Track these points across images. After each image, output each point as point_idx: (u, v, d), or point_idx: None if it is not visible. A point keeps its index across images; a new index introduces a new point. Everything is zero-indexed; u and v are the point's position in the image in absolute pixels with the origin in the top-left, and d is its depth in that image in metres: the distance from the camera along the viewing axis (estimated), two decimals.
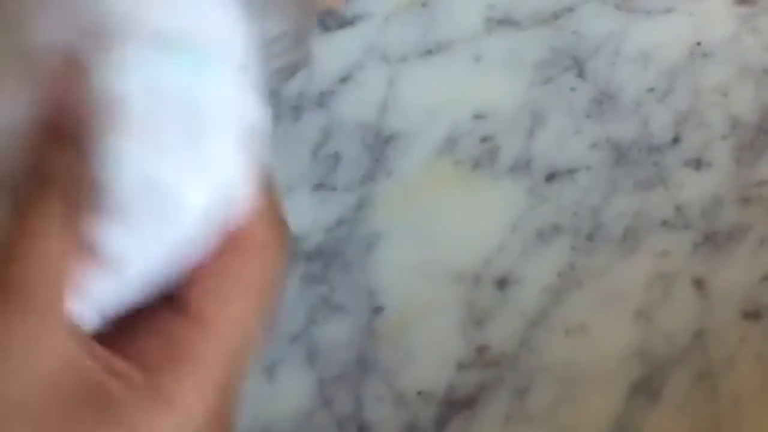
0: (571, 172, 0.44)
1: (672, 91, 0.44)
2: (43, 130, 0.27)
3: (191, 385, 0.26)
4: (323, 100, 0.44)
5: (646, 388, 0.42)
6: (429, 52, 0.44)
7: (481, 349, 0.43)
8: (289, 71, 0.40)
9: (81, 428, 0.25)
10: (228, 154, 0.28)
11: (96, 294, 0.27)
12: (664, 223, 0.43)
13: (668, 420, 0.42)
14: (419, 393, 0.42)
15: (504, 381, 0.42)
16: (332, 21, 0.44)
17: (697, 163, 0.44)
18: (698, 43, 0.44)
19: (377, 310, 0.42)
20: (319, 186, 0.43)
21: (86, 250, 0.26)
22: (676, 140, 0.44)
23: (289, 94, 0.43)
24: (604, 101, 0.44)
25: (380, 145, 0.43)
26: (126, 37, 0.27)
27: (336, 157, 0.43)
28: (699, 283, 0.43)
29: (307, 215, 0.43)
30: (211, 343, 0.26)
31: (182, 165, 0.28)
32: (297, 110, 0.43)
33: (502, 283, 0.43)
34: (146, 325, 0.27)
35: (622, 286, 0.43)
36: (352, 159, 0.43)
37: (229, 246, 0.27)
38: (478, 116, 0.44)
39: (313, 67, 0.44)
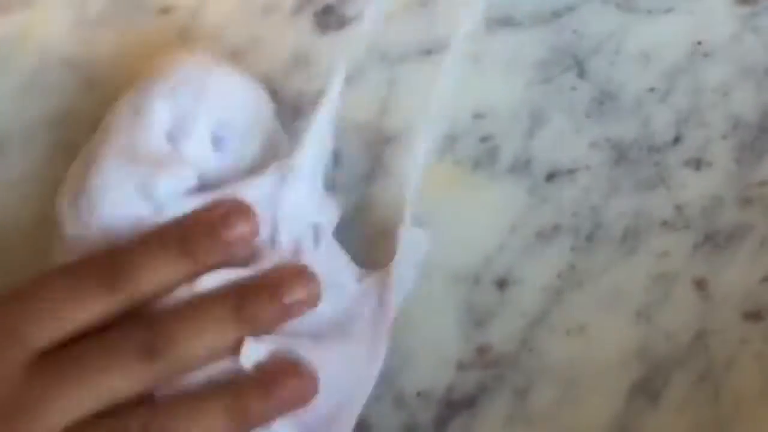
0: (571, 172, 0.43)
1: (672, 90, 0.44)
2: None
3: None
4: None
5: (646, 388, 0.42)
6: (429, 51, 0.44)
7: (481, 350, 0.42)
8: None
9: None
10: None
11: None
12: (665, 223, 0.43)
13: (669, 420, 0.42)
14: (419, 393, 0.42)
15: (504, 381, 0.42)
16: (332, 20, 0.44)
17: (698, 163, 0.44)
18: (699, 43, 0.44)
19: None
20: None
21: None
22: (676, 140, 0.44)
23: (288, 93, 0.43)
24: (604, 101, 0.44)
25: (380, 145, 0.43)
26: None
27: (336, 157, 0.43)
28: (699, 284, 0.43)
29: None
30: None
31: None
32: (297, 110, 0.43)
33: (502, 283, 0.43)
34: None
35: (623, 287, 0.43)
36: (352, 158, 0.43)
37: None
38: (478, 116, 0.44)
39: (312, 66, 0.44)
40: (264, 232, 0.39)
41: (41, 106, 0.43)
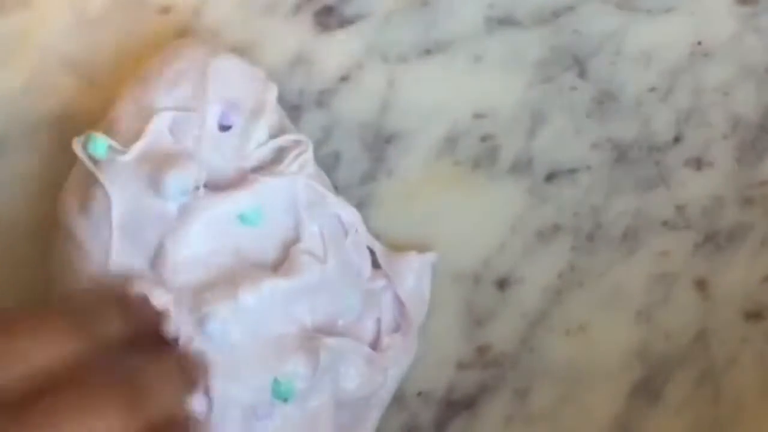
0: (571, 171, 0.43)
1: (673, 90, 0.44)
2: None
3: None
4: (323, 99, 0.43)
5: (647, 388, 0.42)
6: (429, 51, 0.44)
7: (482, 350, 0.42)
8: None
9: None
10: None
11: None
12: (665, 223, 0.43)
13: (669, 420, 0.42)
14: (419, 393, 0.42)
15: (504, 381, 0.42)
16: (332, 20, 0.44)
17: (698, 163, 0.44)
18: (699, 43, 0.44)
19: None
20: None
21: None
22: (677, 140, 0.44)
23: (289, 93, 0.43)
24: (604, 101, 0.44)
25: (380, 144, 0.43)
26: None
27: (336, 157, 0.43)
28: (700, 284, 0.43)
29: None
30: None
31: None
32: (297, 109, 0.43)
33: (503, 284, 0.43)
34: None
35: (623, 287, 0.43)
36: (352, 158, 0.43)
37: None
38: (478, 116, 0.44)
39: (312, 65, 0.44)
40: (289, 224, 0.39)
41: (41, 106, 0.42)
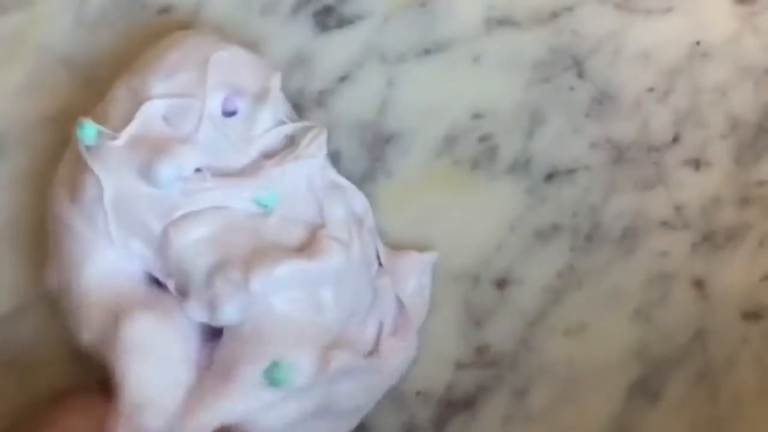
0: (570, 171, 0.44)
1: (671, 90, 0.44)
2: None
3: None
4: (322, 99, 0.44)
5: (645, 388, 0.42)
6: (428, 51, 0.44)
7: (480, 349, 0.43)
8: None
9: None
10: None
11: None
12: (664, 223, 0.43)
13: (667, 420, 0.42)
14: (418, 393, 0.42)
15: (503, 381, 0.42)
16: (331, 20, 0.44)
17: (697, 163, 0.44)
18: (698, 43, 0.44)
19: None
20: None
21: None
22: (675, 140, 0.44)
23: (288, 93, 0.43)
24: (603, 101, 0.44)
25: (379, 144, 0.43)
26: None
27: (335, 156, 0.43)
28: (698, 283, 0.43)
29: None
30: None
31: None
32: (296, 109, 0.43)
33: (501, 283, 0.43)
34: None
35: (622, 286, 0.43)
36: (351, 158, 0.43)
37: None
38: (477, 116, 0.44)
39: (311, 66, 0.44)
40: (311, 209, 0.39)
41: (41, 106, 0.43)
